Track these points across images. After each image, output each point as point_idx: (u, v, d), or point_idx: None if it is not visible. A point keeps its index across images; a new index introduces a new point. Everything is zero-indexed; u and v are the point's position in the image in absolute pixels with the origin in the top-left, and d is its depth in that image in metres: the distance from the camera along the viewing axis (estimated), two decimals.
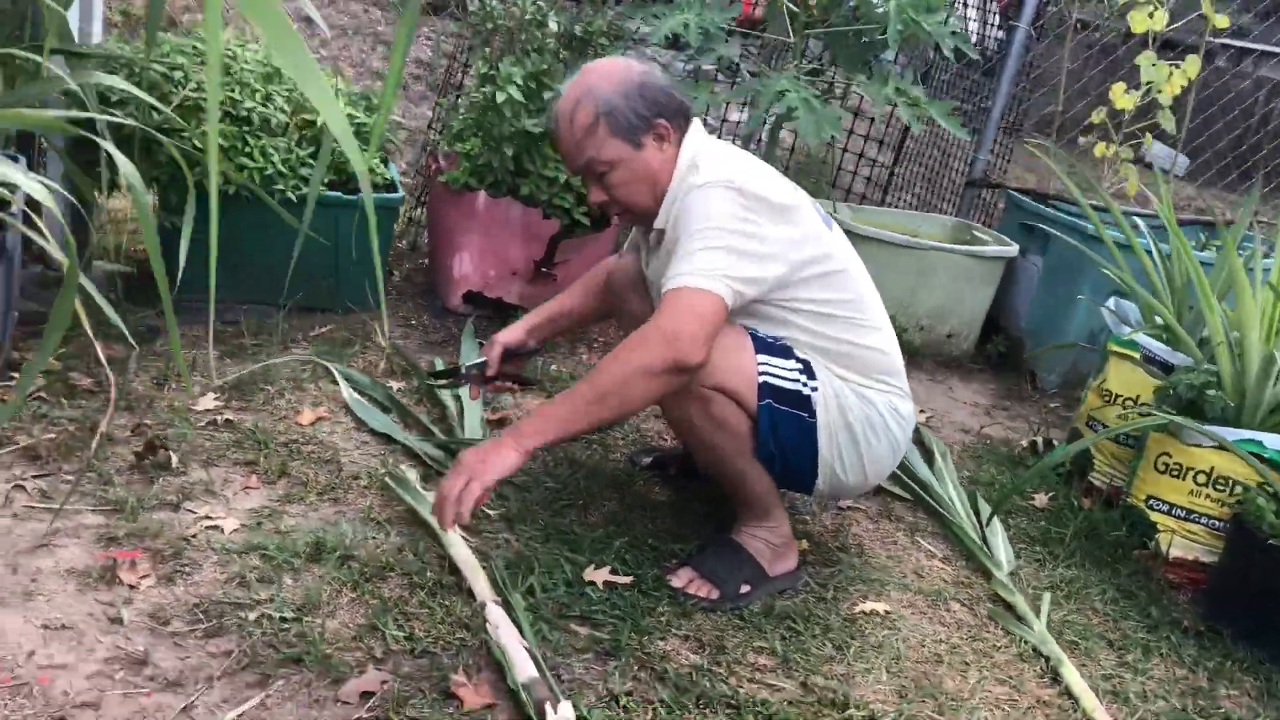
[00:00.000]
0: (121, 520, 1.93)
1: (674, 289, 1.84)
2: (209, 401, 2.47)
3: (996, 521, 2.46)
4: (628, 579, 2.01)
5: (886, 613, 2.09)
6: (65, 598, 1.72)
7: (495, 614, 1.78)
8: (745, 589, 2.05)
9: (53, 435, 2.18)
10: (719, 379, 1.91)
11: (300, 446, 2.32)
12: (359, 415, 2.51)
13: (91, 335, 1.81)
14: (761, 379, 1.94)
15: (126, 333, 1.90)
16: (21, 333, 2.51)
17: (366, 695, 1.61)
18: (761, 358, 1.95)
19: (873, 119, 3.68)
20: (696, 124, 2.06)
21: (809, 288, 1.98)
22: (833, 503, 2.48)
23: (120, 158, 1.89)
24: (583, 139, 1.97)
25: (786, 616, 2.01)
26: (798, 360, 1.99)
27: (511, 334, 2.29)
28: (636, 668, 1.79)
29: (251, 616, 1.74)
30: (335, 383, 2.65)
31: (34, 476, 2.03)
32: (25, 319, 2.52)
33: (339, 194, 3.00)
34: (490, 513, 2.18)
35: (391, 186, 3.21)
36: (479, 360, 2.29)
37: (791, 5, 3.04)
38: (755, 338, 1.97)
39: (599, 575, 2.00)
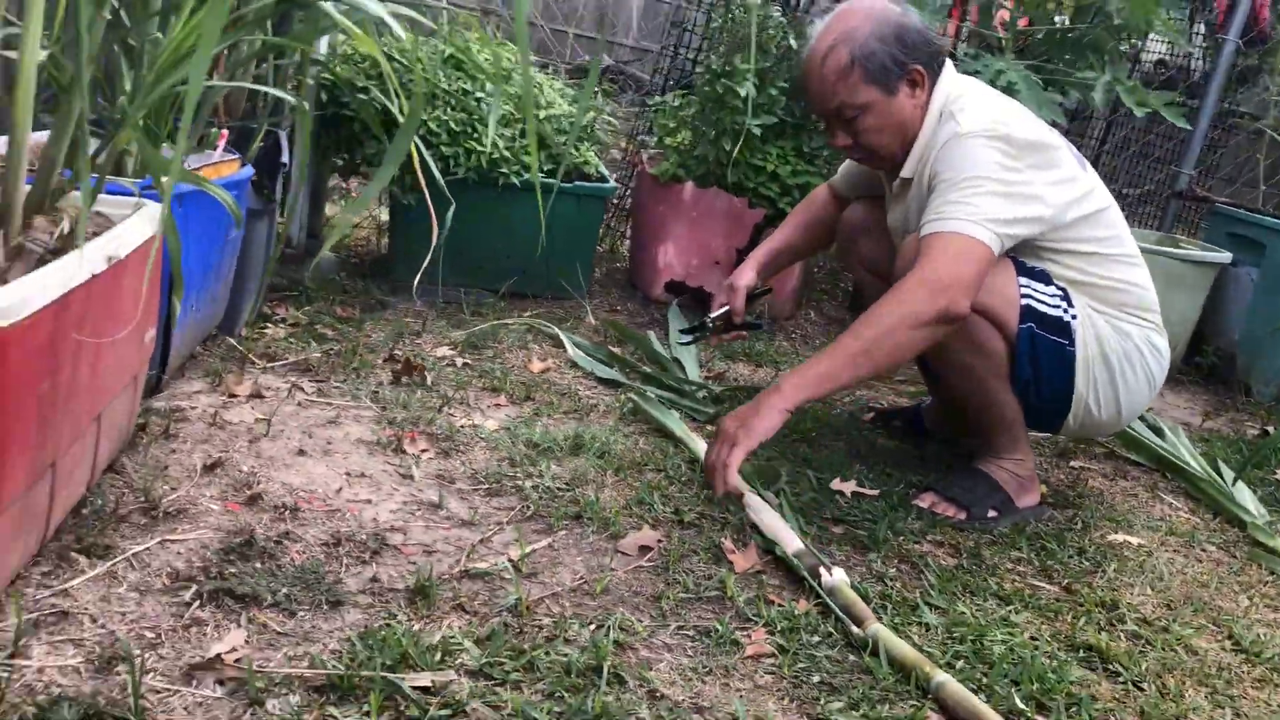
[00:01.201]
0: (396, 411, 2.05)
1: (937, 233, 1.81)
2: (444, 351, 2.60)
3: (1241, 484, 2.37)
4: (874, 491, 2.02)
5: (1139, 545, 2.02)
6: (359, 457, 1.83)
7: (753, 500, 1.81)
8: (992, 514, 2.02)
9: (318, 354, 2.33)
10: (979, 299, 1.86)
11: (537, 383, 2.41)
12: (585, 367, 2.60)
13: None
14: (1024, 302, 1.91)
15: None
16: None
17: (644, 549, 1.65)
18: (1023, 280, 1.92)
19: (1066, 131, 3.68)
20: (948, 65, 2.01)
21: (1073, 228, 1.94)
22: (1078, 441, 2.42)
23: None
24: (836, 83, 1.93)
25: (1039, 536, 1.97)
26: (1058, 287, 1.96)
27: (746, 276, 2.31)
28: (896, 560, 1.78)
29: (528, 484, 1.81)
30: (557, 345, 2.76)
31: (309, 381, 2.17)
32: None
33: (553, 181, 3.15)
34: None
35: (602, 178, 3.35)
36: (722, 310, 2.31)
37: (1004, 3, 3.11)
38: (1015, 261, 1.94)
39: (846, 486, 2.01)
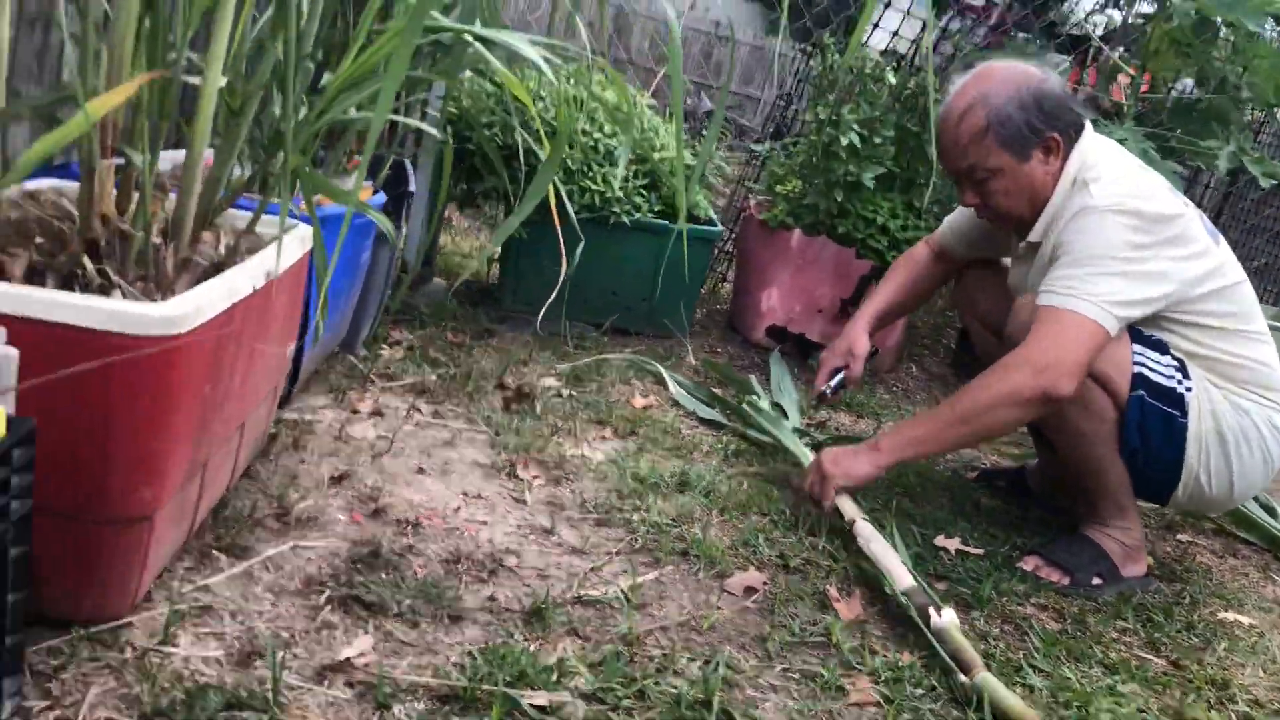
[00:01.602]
0: (508, 436, 2.11)
1: (1053, 308, 1.82)
2: (549, 381, 2.66)
3: None
4: (978, 550, 2.01)
5: (1251, 625, 1.98)
6: (475, 479, 1.89)
7: (866, 529, 1.82)
8: (1097, 581, 2.00)
9: (433, 377, 2.41)
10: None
11: (640, 419, 2.46)
12: (687, 406, 2.64)
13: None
14: (1136, 369, 1.89)
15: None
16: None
17: (750, 590, 1.68)
18: (1137, 348, 1.90)
19: None
20: (1088, 129, 1.99)
21: (1199, 302, 1.91)
22: (1186, 515, 2.38)
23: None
24: (968, 144, 1.93)
25: (1145, 608, 1.94)
26: (1173, 358, 1.93)
27: (864, 343, 2.28)
28: (1000, 620, 1.77)
29: (635, 517, 1.85)
30: (658, 383, 2.80)
31: (425, 403, 2.25)
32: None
33: (664, 223, 3.21)
34: None
35: (711, 221, 3.41)
36: (838, 376, 2.28)
37: (1127, 69, 3.10)
38: (1131, 329, 1.92)
39: (950, 543, 2.01)
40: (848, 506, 1.90)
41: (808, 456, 2.21)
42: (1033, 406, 1.81)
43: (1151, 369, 1.91)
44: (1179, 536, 2.40)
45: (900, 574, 1.69)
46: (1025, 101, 1.91)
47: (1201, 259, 1.91)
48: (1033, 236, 1.99)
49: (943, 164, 2.04)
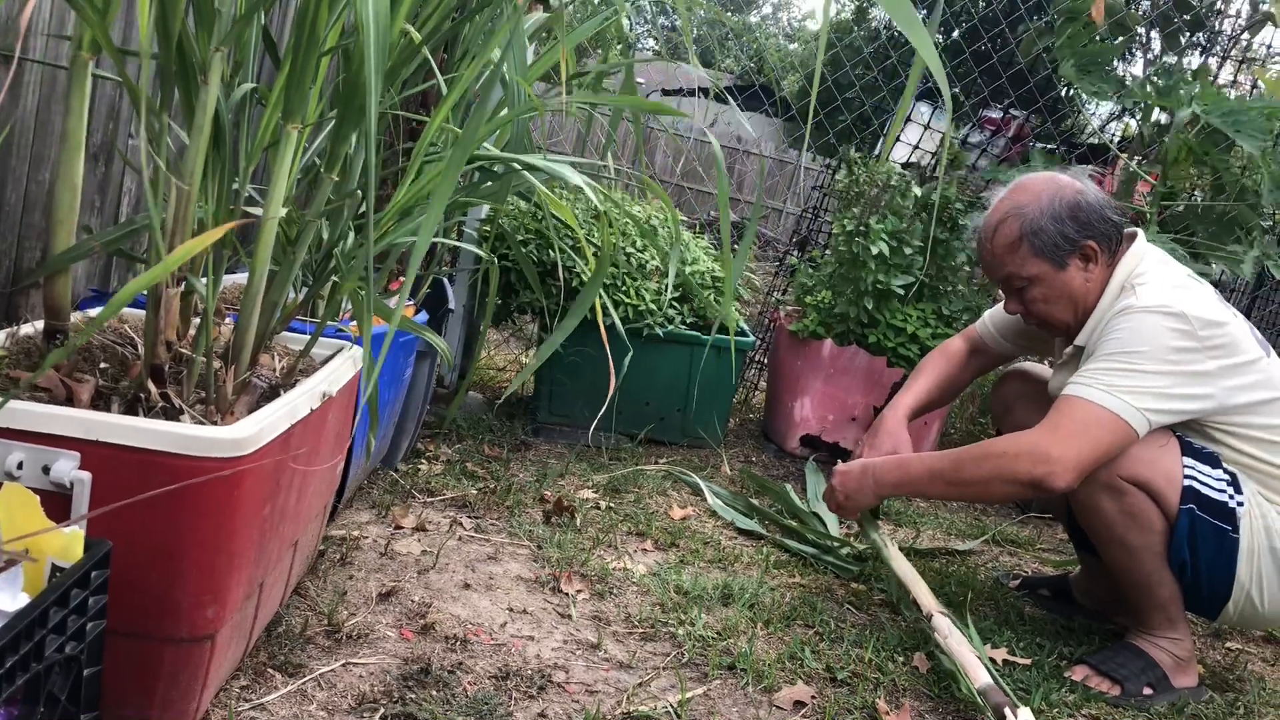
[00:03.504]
0: (550, 550, 2.12)
1: (1076, 397, 1.82)
2: (586, 493, 2.68)
3: None
4: (1026, 660, 1.98)
5: None
6: (519, 594, 1.90)
7: (943, 624, 1.81)
8: (1147, 691, 1.96)
9: (474, 492, 2.43)
10: (1138, 471, 1.86)
11: (679, 530, 2.46)
12: (725, 517, 2.64)
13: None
14: (1187, 483, 1.87)
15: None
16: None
17: (799, 704, 1.66)
18: (1188, 460, 1.89)
19: None
20: (1139, 237, 2.01)
21: (1245, 412, 1.89)
22: (1233, 630, 2.35)
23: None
24: (1003, 255, 1.99)
25: (1200, 719, 1.90)
26: (1225, 471, 1.92)
27: (904, 437, 2.24)
28: None
29: (680, 631, 1.85)
30: (695, 493, 2.81)
31: (467, 517, 2.27)
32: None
33: (697, 334, 3.27)
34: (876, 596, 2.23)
35: (743, 332, 3.46)
36: None
37: (1146, 177, 3.17)
38: (1183, 440, 1.91)
39: (997, 654, 1.98)
40: (925, 598, 1.89)
41: (850, 569, 2.22)
42: (1026, 490, 1.85)
43: (1203, 482, 1.89)
44: (1228, 644, 2.36)
45: (976, 671, 1.67)
46: (1058, 213, 1.95)
47: (1248, 368, 1.88)
48: (1079, 340, 2.00)
49: (986, 275, 2.10)
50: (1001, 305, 2.33)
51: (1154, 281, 1.92)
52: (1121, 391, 1.81)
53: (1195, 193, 3.15)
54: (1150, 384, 1.82)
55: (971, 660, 1.69)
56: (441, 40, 1.93)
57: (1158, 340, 1.82)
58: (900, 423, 2.28)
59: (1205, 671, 2.14)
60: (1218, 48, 4.29)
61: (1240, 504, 1.90)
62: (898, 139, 3.97)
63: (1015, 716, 1.54)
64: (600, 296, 1.96)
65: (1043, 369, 2.33)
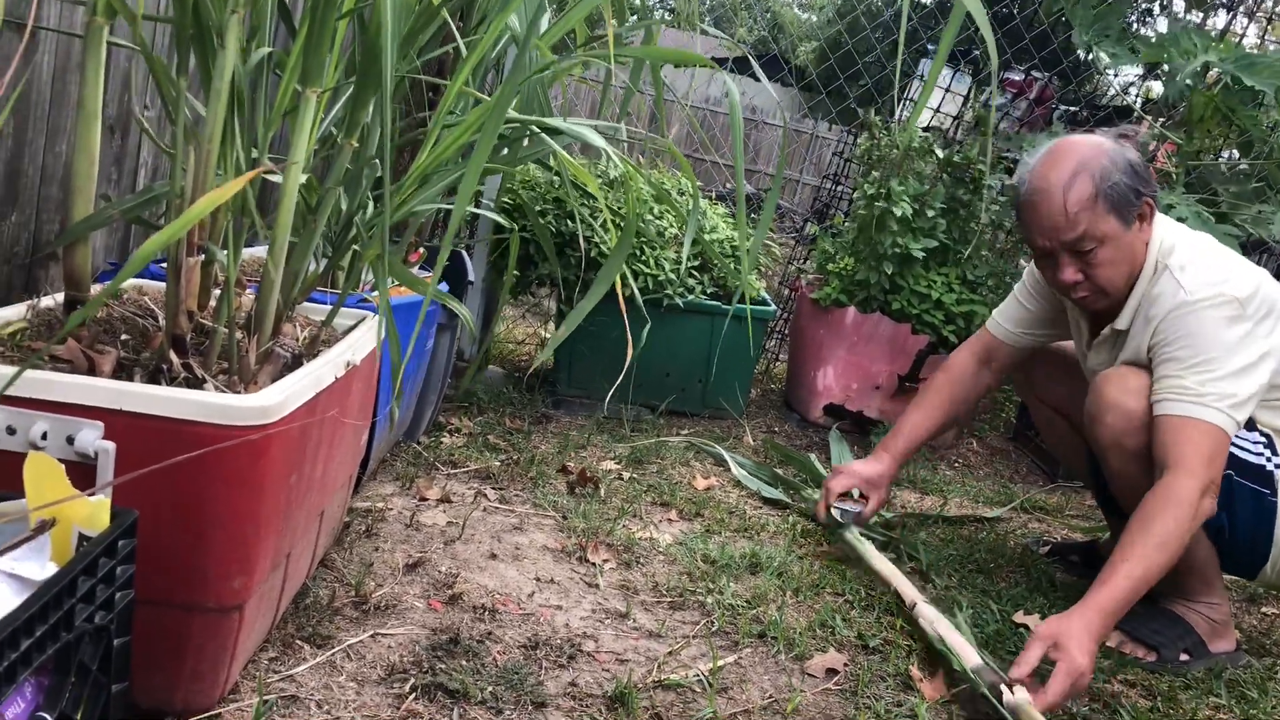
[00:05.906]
0: (575, 520, 2.10)
1: (1192, 419, 1.76)
2: (609, 464, 2.66)
3: None
4: None
5: None
6: (546, 564, 1.89)
7: (927, 610, 1.79)
8: (1184, 657, 1.93)
9: (496, 464, 2.42)
10: None
11: (704, 500, 2.44)
12: (750, 487, 2.62)
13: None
14: None
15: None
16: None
17: (831, 672, 1.65)
18: None
19: None
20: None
21: None
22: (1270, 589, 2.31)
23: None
24: (1079, 212, 1.85)
25: (1238, 684, 1.88)
26: (1261, 434, 1.90)
27: (886, 473, 2.24)
28: (1088, 699, 1.72)
29: (709, 600, 1.83)
30: (718, 464, 2.79)
31: (491, 489, 2.26)
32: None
33: (717, 304, 3.23)
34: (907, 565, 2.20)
35: (763, 301, 3.43)
36: (855, 509, 2.22)
37: (1175, 138, 3.11)
38: None
39: (1029, 620, 1.96)
40: (906, 589, 1.87)
41: (878, 538, 2.19)
42: (1199, 522, 1.76)
43: (1239, 445, 1.86)
44: (1264, 610, 2.33)
45: (968, 653, 1.65)
46: (1124, 166, 1.87)
47: None
48: (1119, 323, 1.94)
49: (1042, 240, 1.92)
50: (1009, 301, 2.27)
51: (1190, 264, 1.87)
52: (1218, 404, 1.76)
53: (1222, 154, 3.09)
54: (1233, 386, 1.77)
55: (960, 643, 1.67)
56: (458, 5, 1.90)
57: (1224, 335, 1.79)
58: (887, 468, 2.25)
59: (1242, 636, 2.11)
60: (1242, 6, 4.21)
61: (1278, 466, 1.88)
62: (915, 101, 3.91)
63: (1013, 693, 1.52)
64: (624, 267, 1.93)
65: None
